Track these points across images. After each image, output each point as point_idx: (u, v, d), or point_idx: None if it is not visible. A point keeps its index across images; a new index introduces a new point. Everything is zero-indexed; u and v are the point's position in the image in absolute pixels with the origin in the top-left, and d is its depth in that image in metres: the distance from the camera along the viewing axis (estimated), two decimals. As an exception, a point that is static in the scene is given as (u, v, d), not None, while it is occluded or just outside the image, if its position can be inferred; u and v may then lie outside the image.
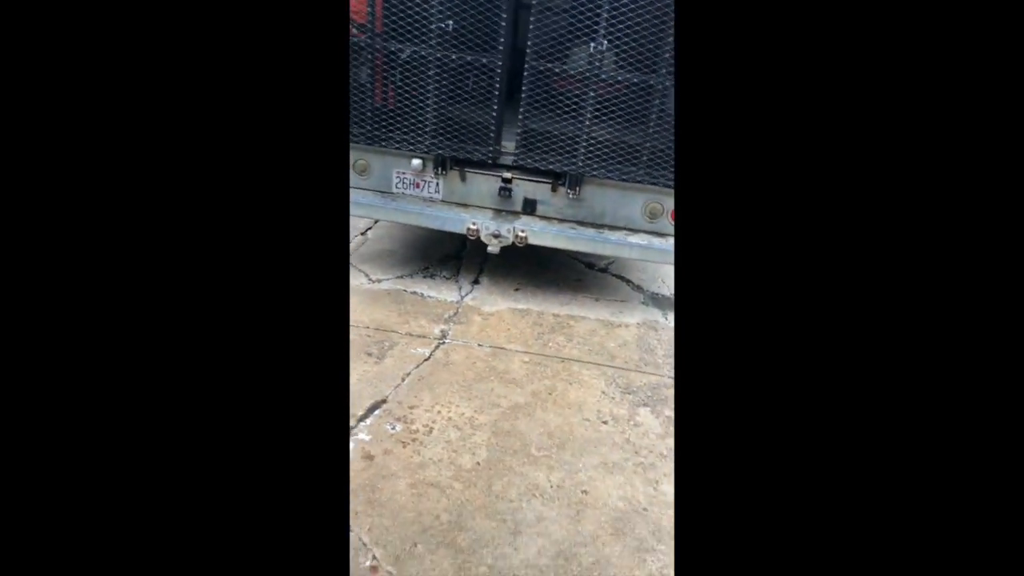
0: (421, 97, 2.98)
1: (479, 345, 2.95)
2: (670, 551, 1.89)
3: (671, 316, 3.51)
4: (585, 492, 2.09)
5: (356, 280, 3.48)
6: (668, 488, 2.15)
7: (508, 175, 3.19)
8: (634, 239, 3.18)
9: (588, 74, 2.84)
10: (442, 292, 3.47)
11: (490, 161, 3.11)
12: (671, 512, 2.04)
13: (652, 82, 2.82)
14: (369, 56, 2.97)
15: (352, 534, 1.82)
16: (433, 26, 2.79)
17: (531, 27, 2.80)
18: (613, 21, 2.71)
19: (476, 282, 3.65)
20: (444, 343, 2.93)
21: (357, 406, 2.40)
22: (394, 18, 2.83)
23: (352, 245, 3.98)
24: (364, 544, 1.79)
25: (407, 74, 2.97)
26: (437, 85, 2.94)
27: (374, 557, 1.75)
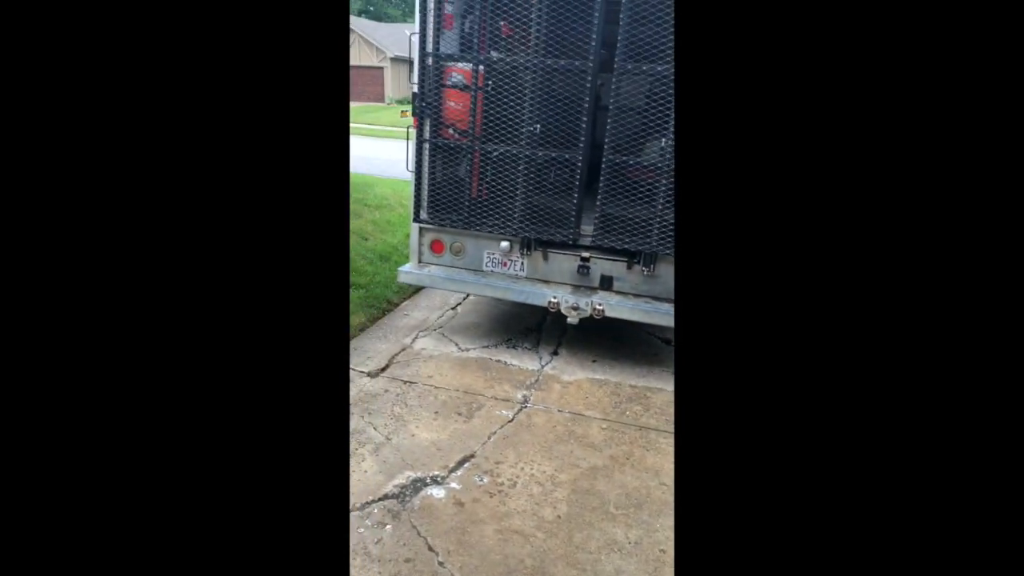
0: (511, 188, 3.42)
1: (559, 410, 3.14)
2: (749, 614, 1.91)
3: (749, 391, 3.54)
4: (663, 551, 2.17)
5: (447, 348, 3.83)
6: (747, 554, 2.18)
7: (586, 254, 3.50)
8: (708, 313, 3.33)
9: (659, 164, 3.17)
10: (524, 361, 3.72)
11: (570, 242, 3.44)
12: None
13: (720, 170, 3.10)
14: (468, 155, 3.48)
15: (445, 570, 2.01)
16: (524, 130, 3.27)
17: (608, 126, 3.20)
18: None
19: (555, 353, 3.88)
20: (526, 407, 3.15)
21: (449, 459, 2.64)
22: (491, 124, 3.35)
23: (443, 319, 4.38)
24: (456, 579, 1.97)
25: (499, 169, 3.44)
26: (525, 177, 3.38)
27: (465, 592, 1.92)
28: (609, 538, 2.21)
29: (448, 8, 3.42)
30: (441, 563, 2.04)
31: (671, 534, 2.25)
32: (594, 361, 3.79)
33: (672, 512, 2.38)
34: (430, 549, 2.10)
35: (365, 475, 2.50)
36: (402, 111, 3.48)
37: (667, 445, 2.88)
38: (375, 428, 2.86)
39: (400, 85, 30.71)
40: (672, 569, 2.08)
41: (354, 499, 2.34)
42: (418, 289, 4.84)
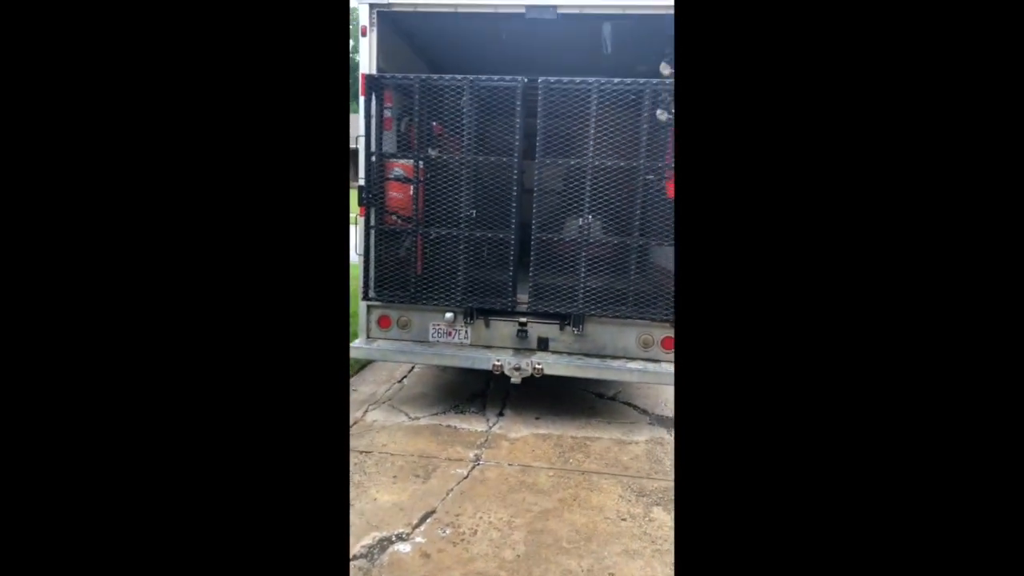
0: (453, 264, 3.82)
1: (509, 464, 3.40)
2: (688, 616, 2.21)
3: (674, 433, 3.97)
4: (612, 574, 2.45)
5: (398, 419, 4.02)
6: (683, 568, 2.49)
7: (523, 319, 3.90)
8: (632, 365, 3.79)
9: (579, 239, 3.70)
10: (472, 424, 3.98)
11: (509, 309, 3.84)
12: (687, 586, 2.38)
13: (629, 242, 3.66)
14: (412, 238, 3.88)
15: (419, 613, 2.18)
16: (462, 214, 3.73)
17: (534, 208, 3.71)
18: (594, 199, 3.63)
19: (501, 414, 4.17)
20: (479, 464, 3.39)
21: (411, 517, 2.82)
22: (432, 211, 3.78)
23: (391, 391, 4.57)
24: (430, 619, 2.15)
25: (441, 248, 3.85)
26: (465, 255, 3.80)
27: (439, 630, 2.10)
28: (564, 569, 2.46)
29: (387, 112, 3.92)
30: (415, 608, 2.21)
31: (618, 560, 2.54)
32: (537, 418, 4.11)
33: (618, 541, 2.68)
34: (403, 597, 2.27)
35: (333, 539, 2.63)
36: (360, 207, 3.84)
37: (608, 485, 3.20)
38: (337, 496, 2.99)
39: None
40: (621, 587, 2.35)
41: (325, 562, 2.46)
42: (364, 365, 5.02)
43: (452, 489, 3.09)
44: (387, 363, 5.12)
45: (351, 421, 3.92)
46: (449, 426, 3.93)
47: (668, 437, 3.92)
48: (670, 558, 2.57)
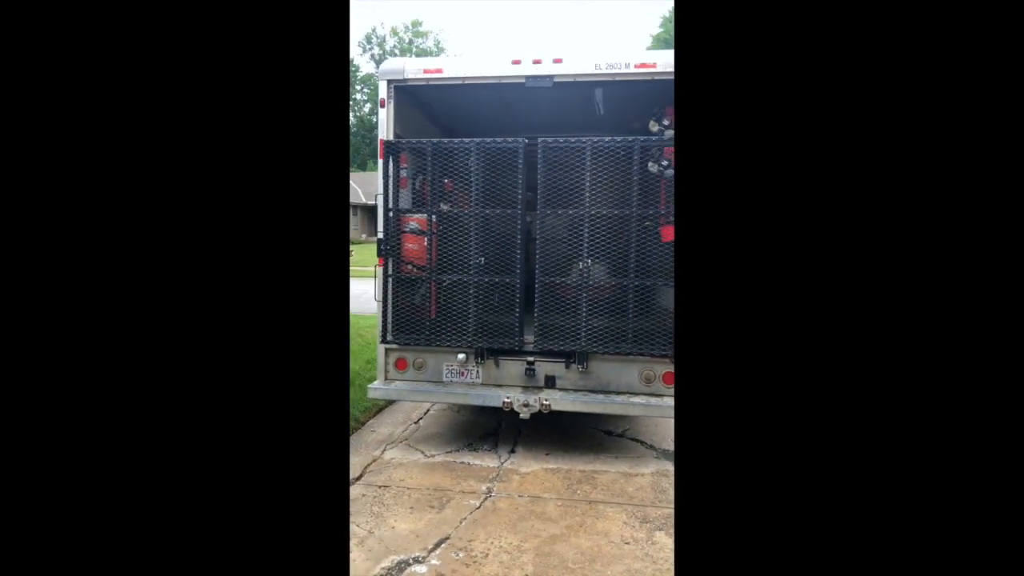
0: (464, 308, 4.13)
1: (519, 496, 3.58)
2: (686, 628, 2.35)
3: (681, 466, 4.11)
4: (614, 590, 2.60)
5: (414, 456, 4.23)
6: (682, 585, 2.64)
7: (531, 358, 4.16)
8: (636, 399, 4.00)
9: (580, 282, 4.00)
10: (485, 460, 4.17)
11: (517, 349, 4.11)
12: (685, 601, 2.52)
13: (626, 283, 3.94)
14: (426, 285, 4.21)
15: (434, 625, 2.36)
16: (472, 261, 4.06)
17: (538, 255, 4.04)
18: (593, 245, 3.95)
19: (512, 451, 4.36)
20: (491, 496, 3.58)
21: (427, 542, 3.01)
22: (445, 259, 4.13)
23: (408, 432, 4.80)
24: (445, 630, 2.32)
25: (453, 294, 4.17)
26: (475, 299, 4.11)
27: (453, 640, 2.27)
28: (570, 586, 2.63)
29: (403, 172, 4.34)
30: (430, 621, 2.39)
31: (620, 578, 2.69)
32: (547, 454, 4.29)
33: (621, 562, 2.83)
34: (419, 612, 2.45)
35: (354, 563, 2.82)
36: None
37: (614, 513, 3.36)
38: (358, 525, 3.20)
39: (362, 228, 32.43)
40: (622, 602, 2.50)
41: (347, 582, 2.66)
42: (382, 408, 5.27)
43: (465, 518, 3.28)
44: (403, 406, 5.37)
45: (369, 460, 4.15)
46: (463, 463, 4.13)
47: (673, 469, 4.06)
48: (671, 577, 2.72)
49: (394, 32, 48.26)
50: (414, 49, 48.52)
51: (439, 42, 49.71)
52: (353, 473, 3.89)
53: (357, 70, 45.24)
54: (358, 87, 44.35)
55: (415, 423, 5.03)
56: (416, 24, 48.80)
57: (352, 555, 2.89)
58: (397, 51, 48.66)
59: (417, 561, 2.84)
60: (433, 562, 2.83)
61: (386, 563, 2.83)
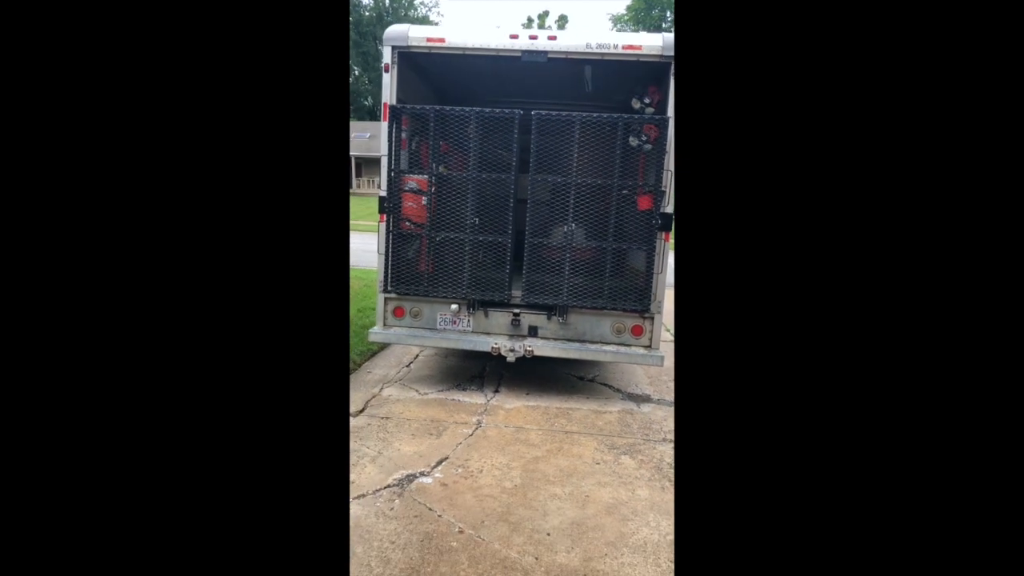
0: (458, 263, 4.57)
1: (505, 426, 4.15)
2: (643, 522, 2.97)
3: (643, 406, 4.74)
4: (587, 496, 3.21)
5: (409, 394, 4.74)
6: (642, 493, 3.26)
7: (517, 310, 4.66)
8: (607, 348, 4.57)
9: (565, 243, 4.48)
10: (473, 398, 4.71)
11: (505, 301, 4.60)
12: (644, 503, 3.15)
13: (604, 246, 4.44)
14: (425, 241, 4.62)
15: (443, 519, 2.92)
16: (467, 221, 4.48)
17: (527, 216, 4.48)
18: (577, 210, 4.41)
19: (497, 391, 4.91)
20: (481, 426, 4.13)
21: (429, 460, 3.56)
22: (441, 218, 4.54)
23: (401, 374, 5.29)
24: (454, 522, 2.89)
25: (449, 250, 4.60)
26: (469, 256, 4.55)
27: (460, 530, 2.84)
28: (550, 493, 3.22)
29: (403, 134, 4.66)
30: (439, 516, 2.95)
31: (591, 488, 3.30)
32: (528, 394, 4.86)
33: (592, 476, 3.44)
34: (430, 510, 3.00)
35: (370, 476, 3.35)
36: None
37: (586, 441, 3.96)
38: (367, 447, 3.71)
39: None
40: (594, 504, 3.11)
41: (365, 489, 3.18)
42: (375, 352, 5.74)
43: (460, 443, 3.83)
44: (395, 351, 5.85)
45: (369, 396, 4.63)
46: (454, 400, 4.66)
47: (636, 408, 4.70)
48: (631, 487, 3.34)
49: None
50: (389, 4, 46.66)
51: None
52: (358, 407, 4.38)
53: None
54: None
55: (407, 366, 5.52)
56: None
57: (366, 470, 3.42)
58: (374, 13, 46.77)
59: (423, 475, 3.39)
60: (437, 475, 3.38)
61: (396, 475, 3.36)
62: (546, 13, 43.44)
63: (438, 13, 51.56)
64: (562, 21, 43.30)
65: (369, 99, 45.27)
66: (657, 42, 4.24)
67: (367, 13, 46.83)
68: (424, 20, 49.09)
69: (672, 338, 6.96)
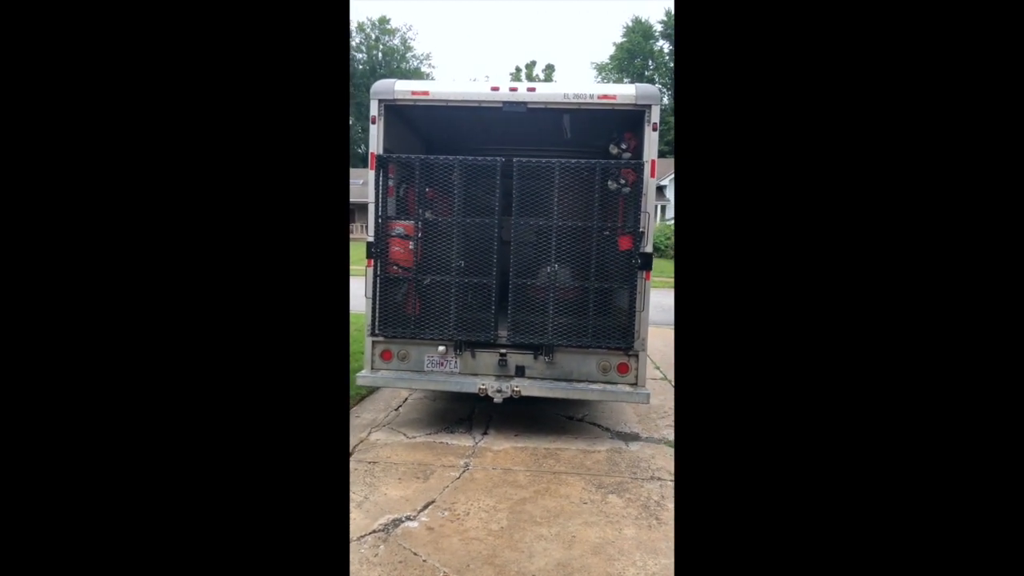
0: (445, 305, 4.65)
1: (493, 468, 4.13)
2: (630, 562, 2.95)
3: (631, 445, 4.74)
4: (573, 536, 3.19)
5: (397, 438, 4.72)
6: (629, 532, 3.25)
7: (504, 350, 4.71)
8: (593, 387, 4.61)
9: (548, 284, 4.58)
10: (461, 440, 4.70)
11: (491, 342, 4.65)
12: (630, 542, 3.13)
13: (587, 285, 4.55)
14: (411, 284, 4.71)
15: (428, 564, 2.89)
16: (453, 264, 4.59)
17: (511, 257, 4.59)
18: (559, 251, 4.53)
19: (485, 433, 4.90)
20: (468, 469, 4.12)
21: (416, 504, 3.53)
22: (428, 262, 4.64)
23: (389, 417, 5.28)
24: (439, 567, 2.86)
25: (435, 292, 4.68)
26: (455, 298, 4.63)
27: (444, 574, 2.81)
28: (536, 534, 3.20)
29: (390, 182, 4.82)
30: (424, 560, 2.92)
31: (578, 528, 3.28)
32: (516, 435, 4.85)
33: (580, 516, 3.42)
34: (415, 554, 2.97)
35: (355, 521, 3.32)
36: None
37: (574, 481, 3.95)
38: (354, 492, 3.69)
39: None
40: (580, 544, 3.09)
41: (350, 535, 3.15)
42: (364, 396, 5.73)
43: (447, 486, 3.81)
44: (384, 395, 5.84)
45: (357, 441, 4.62)
46: (442, 442, 4.65)
47: (625, 447, 4.70)
48: (618, 527, 3.32)
49: (361, 28, 48.01)
50: (380, 47, 48.39)
51: (406, 40, 49.76)
52: (344, 451, 4.36)
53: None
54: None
55: (395, 410, 5.51)
56: (384, 21, 48.70)
57: (352, 516, 3.39)
58: (363, 48, 48.42)
59: (409, 519, 3.36)
60: (423, 519, 3.36)
61: (383, 520, 3.34)
62: (533, 63, 45.19)
63: (430, 65, 53.49)
64: (549, 71, 45.01)
65: (362, 147, 46.32)
66: (631, 91, 4.47)
67: (360, 66, 48.51)
68: (416, 72, 50.83)
69: (661, 375, 7.00)
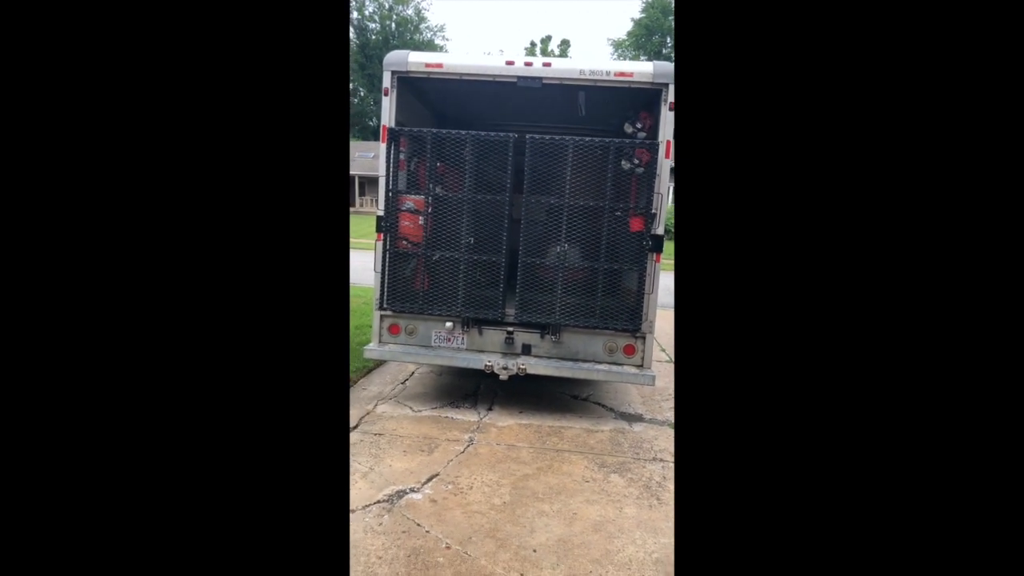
0: (453, 282, 4.65)
1: (497, 444, 4.18)
2: (629, 540, 2.99)
3: (635, 425, 4.77)
4: (574, 514, 3.23)
5: (403, 411, 4.78)
6: (629, 511, 3.28)
7: (511, 329, 4.72)
8: (599, 367, 4.61)
9: (558, 263, 4.56)
10: (466, 416, 4.75)
11: (499, 320, 4.66)
12: (631, 521, 3.17)
13: (597, 266, 4.52)
14: (420, 259, 4.71)
15: (431, 535, 2.94)
16: (462, 241, 4.57)
17: (521, 235, 4.57)
18: (570, 231, 4.50)
19: (490, 409, 4.95)
20: (472, 444, 4.17)
21: (420, 477, 3.59)
22: (438, 237, 4.63)
23: (396, 391, 5.33)
24: (441, 538, 2.91)
25: (444, 268, 4.68)
26: (464, 274, 4.63)
27: (447, 545, 2.87)
28: (538, 510, 3.24)
29: (401, 155, 4.78)
30: (427, 531, 2.97)
31: (579, 506, 3.32)
32: (520, 412, 4.89)
33: (581, 494, 3.46)
34: (418, 525, 3.03)
35: (360, 491, 3.38)
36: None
37: (577, 460, 3.99)
38: (359, 463, 3.75)
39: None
40: (581, 521, 3.14)
41: (354, 504, 3.21)
42: (371, 369, 5.78)
43: (452, 460, 3.86)
44: (390, 368, 5.90)
45: (363, 413, 4.67)
46: (447, 417, 4.70)
47: (628, 427, 4.72)
48: (619, 505, 3.36)
49: (375, -3, 47.23)
50: (394, 16, 47.63)
51: (420, 10, 48.90)
52: (351, 423, 4.42)
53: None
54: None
55: (402, 384, 5.56)
56: (398, -11, 47.84)
57: (356, 486, 3.45)
58: (376, 17, 47.69)
59: (413, 491, 3.42)
60: (426, 491, 3.41)
61: (387, 491, 3.39)
62: (549, 38, 44.28)
63: (443, 37, 52.62)
64: (565, 46, 44.18)
65: (374, 119, 46.04)
66: (648, 69, 4.37)
67: (374, 37, 47.82)
68: (429, 44, 50.09)
69: (667, 358, 7.01)
